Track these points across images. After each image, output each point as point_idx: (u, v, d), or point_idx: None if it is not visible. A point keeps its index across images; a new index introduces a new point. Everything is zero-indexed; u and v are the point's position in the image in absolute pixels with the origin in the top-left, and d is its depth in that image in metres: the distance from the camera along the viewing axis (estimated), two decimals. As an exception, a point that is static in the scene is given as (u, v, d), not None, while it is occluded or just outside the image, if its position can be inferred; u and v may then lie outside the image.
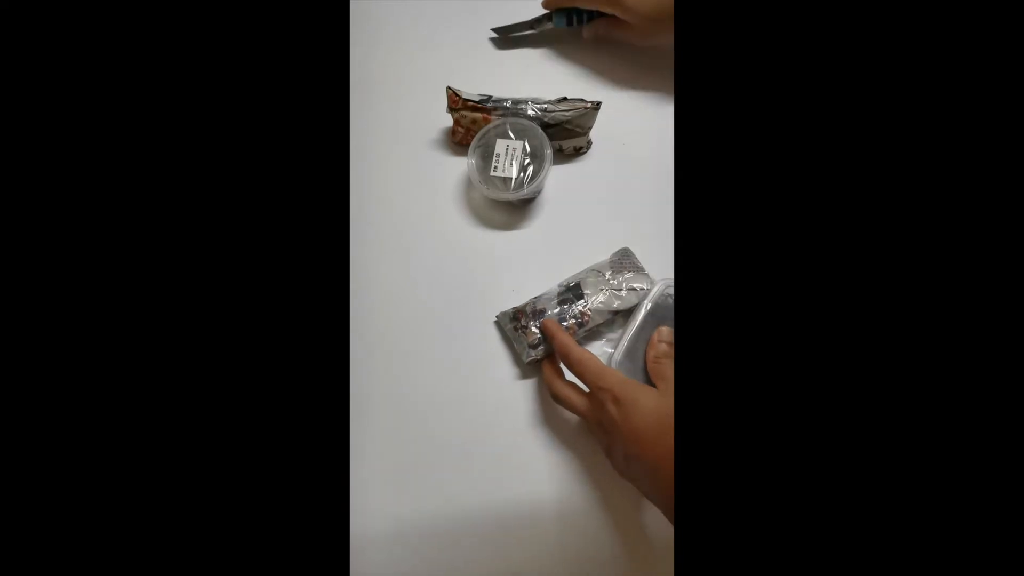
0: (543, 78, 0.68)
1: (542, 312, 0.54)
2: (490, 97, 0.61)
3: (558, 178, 0.63)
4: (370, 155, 0.64)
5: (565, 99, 0.60)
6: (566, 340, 0.50)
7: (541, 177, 0.58)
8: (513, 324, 0.54)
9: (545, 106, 0.60)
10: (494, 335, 0.57)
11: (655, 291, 0.52)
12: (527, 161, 0.59)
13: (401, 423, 0.55)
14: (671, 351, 0.48)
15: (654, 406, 0.43)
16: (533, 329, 0.53)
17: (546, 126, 0.59)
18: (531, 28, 0.69)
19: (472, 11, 0.71)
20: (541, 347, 0.53)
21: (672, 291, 0.52)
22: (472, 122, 0.61)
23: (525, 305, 0.55)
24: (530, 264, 0.59)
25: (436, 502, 0.52)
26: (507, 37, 0.70)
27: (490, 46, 0.70)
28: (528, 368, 0.56)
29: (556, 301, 0.54)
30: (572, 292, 0.55)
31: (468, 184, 0.63)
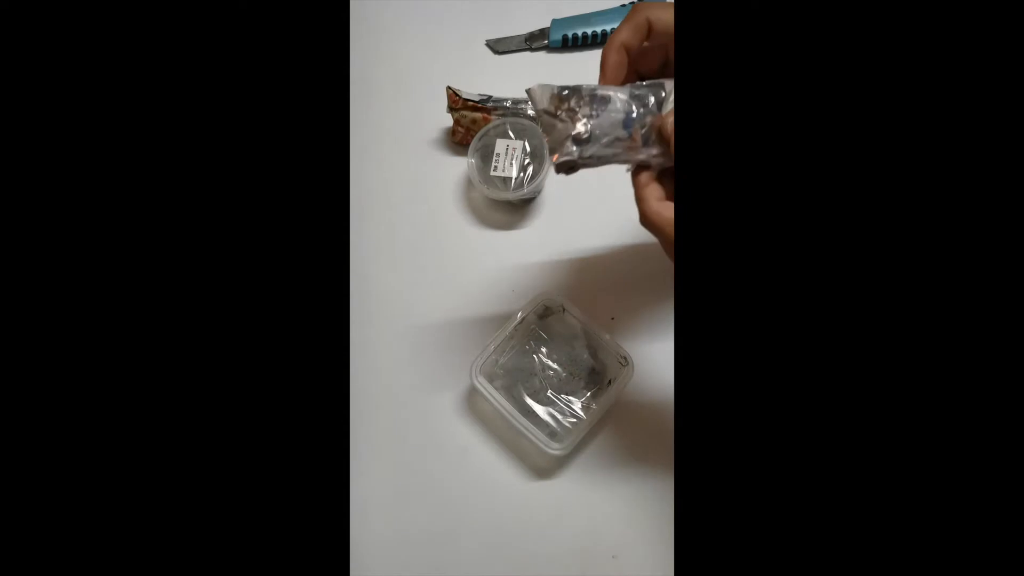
0: (543, 78, 0.68)
1: (604, 101, 0.38)
2: (490, 97, 0.61)
3: (558, 178, 0.62)
4: (370, 155, 0.64)
5: (565, 99, 0.60)
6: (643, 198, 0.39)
7: (541, 177, 0.58)
8: (558, 104, 0.38)
9: (545, 106, 0.60)
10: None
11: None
12: (527, 161, 0.59)
13: (401, 423, 0.54)
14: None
15: None
16: (584, 110, 0.38)
17: (546, 126, 0.59)
18: (526, 46, 0.69)
19: (472, 11, 0.71)
20: (586, 147, 0.38)
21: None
22: (472, 122, 0.61)
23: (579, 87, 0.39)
24: (530, 264, 0.59)
25: (436, 502, 0.52)
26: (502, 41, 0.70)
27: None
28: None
29: (628, 98, 0.39)
30: (651, 89, 0.39)
31: (468, 184, 0.63)
